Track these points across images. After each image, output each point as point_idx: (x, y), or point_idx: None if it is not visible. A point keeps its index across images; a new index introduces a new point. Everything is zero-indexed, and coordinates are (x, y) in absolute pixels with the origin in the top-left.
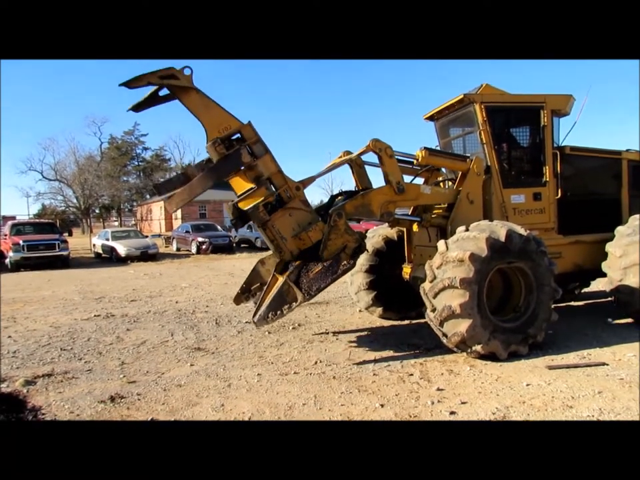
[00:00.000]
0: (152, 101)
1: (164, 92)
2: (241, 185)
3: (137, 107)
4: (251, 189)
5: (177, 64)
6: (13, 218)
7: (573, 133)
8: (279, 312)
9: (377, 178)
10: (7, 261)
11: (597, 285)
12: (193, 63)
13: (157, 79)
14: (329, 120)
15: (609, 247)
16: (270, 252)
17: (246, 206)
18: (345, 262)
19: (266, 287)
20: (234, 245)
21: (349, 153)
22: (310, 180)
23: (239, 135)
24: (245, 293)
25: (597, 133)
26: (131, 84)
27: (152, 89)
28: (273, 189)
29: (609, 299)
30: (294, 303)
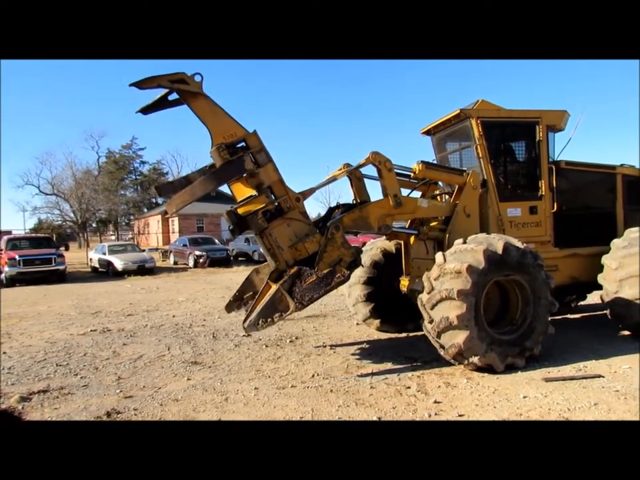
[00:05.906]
0: (160, 104)
1: (173, 96)
2: (241, 191)
3: (146, 110)
4: (252, 196)
5: (177, 64)
6: (9, 233)
7: (573, 149)
8: (269, 319)
9: (375, 191)
10: (2, 276)
11: (593, 298)
12: (193, 63)
13: (168, 82)
14: (329, 133)
15: (605, 260)
16: (266, 262)
17: (245, 212)
18: (340, 274)
19: (259, 293)
20: (231, 258)
21: (348, 165)
22: (310, 191)
23: (243, 143)
24: (237, 301)
25: (595, 149)
26: (141, 84)
27: (161, 92)
28: (273, 198)
29: (605, 311)
30: (285, 312)
